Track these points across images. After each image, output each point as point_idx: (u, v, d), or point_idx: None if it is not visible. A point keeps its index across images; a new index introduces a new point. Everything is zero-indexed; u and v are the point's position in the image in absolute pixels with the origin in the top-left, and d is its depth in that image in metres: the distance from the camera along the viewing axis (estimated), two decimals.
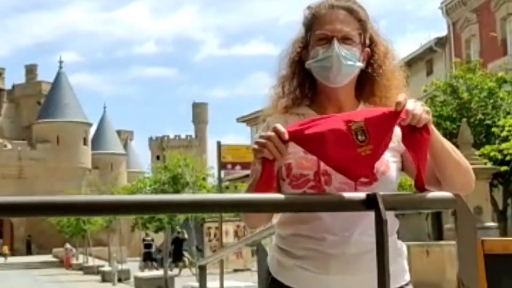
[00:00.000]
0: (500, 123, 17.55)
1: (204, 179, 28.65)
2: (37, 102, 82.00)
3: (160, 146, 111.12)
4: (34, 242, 67.95)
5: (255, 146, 1.88)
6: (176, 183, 27.04)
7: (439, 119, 20.05)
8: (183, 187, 27.29)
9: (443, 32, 32.36)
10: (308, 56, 2.19)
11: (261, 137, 1.88)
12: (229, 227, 24.68)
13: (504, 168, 16.16)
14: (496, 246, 2.37)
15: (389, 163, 2.12)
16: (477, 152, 16.14)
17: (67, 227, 46.05)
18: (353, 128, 1.87)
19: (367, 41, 2.21)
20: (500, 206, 18.07)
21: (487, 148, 16.91)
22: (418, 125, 1.87)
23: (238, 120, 53.07)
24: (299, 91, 2.23)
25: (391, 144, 1.96)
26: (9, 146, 74.26)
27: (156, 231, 37.20)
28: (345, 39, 2.14)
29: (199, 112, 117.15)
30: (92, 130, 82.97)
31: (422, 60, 33.98)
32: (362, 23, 2.19)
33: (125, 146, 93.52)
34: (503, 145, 16.53)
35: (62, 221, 46.09)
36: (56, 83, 78.82)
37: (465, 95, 19.72)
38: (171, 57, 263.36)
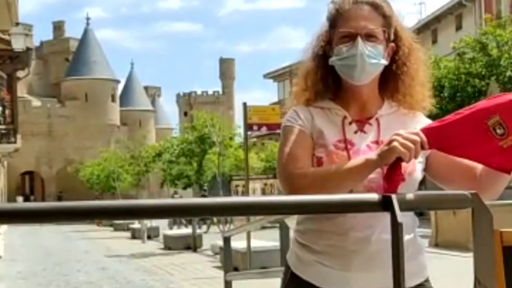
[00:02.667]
0: None
1: (231, 138, 28.71)
2: (65, 59, 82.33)
3: (187, 102, 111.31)
4: (65, 198, 68.90)
5: (399, 147, 1.89)
6: (203, 142, 27.18)
7: (468, 76, 19.81)
8: (210, 147, 27.43)
9: None
10: (332, 52, 2.17)
11: (407, 139, 1.89)
12: (256, 185, 24.68)
13: None
14: None
15: (416, 163, 2.10)
16: None
17: (97, 184, 46.65)
18: (489, 124, 1.88)
19: (392, 37, 2.18)
20: None
21: None
22: None
23: (265, 76, 52.95)
24: (322, 85, 2.21)
25: None
26: (39, 103, 74.85)
27: (185, 188, 37.51)
28: (369, 36, 2.11)
29: (226, 68, 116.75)
30: (120, 87, 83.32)
31: (451, 15, 33.45)
32: (386, 19, 2.15)
33: (153, 102, 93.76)
34: None
35: (92, 178, 46.65)
36: (84, 40, 78.95)
37: (495, 52, 19.41)
38: (196, 12, 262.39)
